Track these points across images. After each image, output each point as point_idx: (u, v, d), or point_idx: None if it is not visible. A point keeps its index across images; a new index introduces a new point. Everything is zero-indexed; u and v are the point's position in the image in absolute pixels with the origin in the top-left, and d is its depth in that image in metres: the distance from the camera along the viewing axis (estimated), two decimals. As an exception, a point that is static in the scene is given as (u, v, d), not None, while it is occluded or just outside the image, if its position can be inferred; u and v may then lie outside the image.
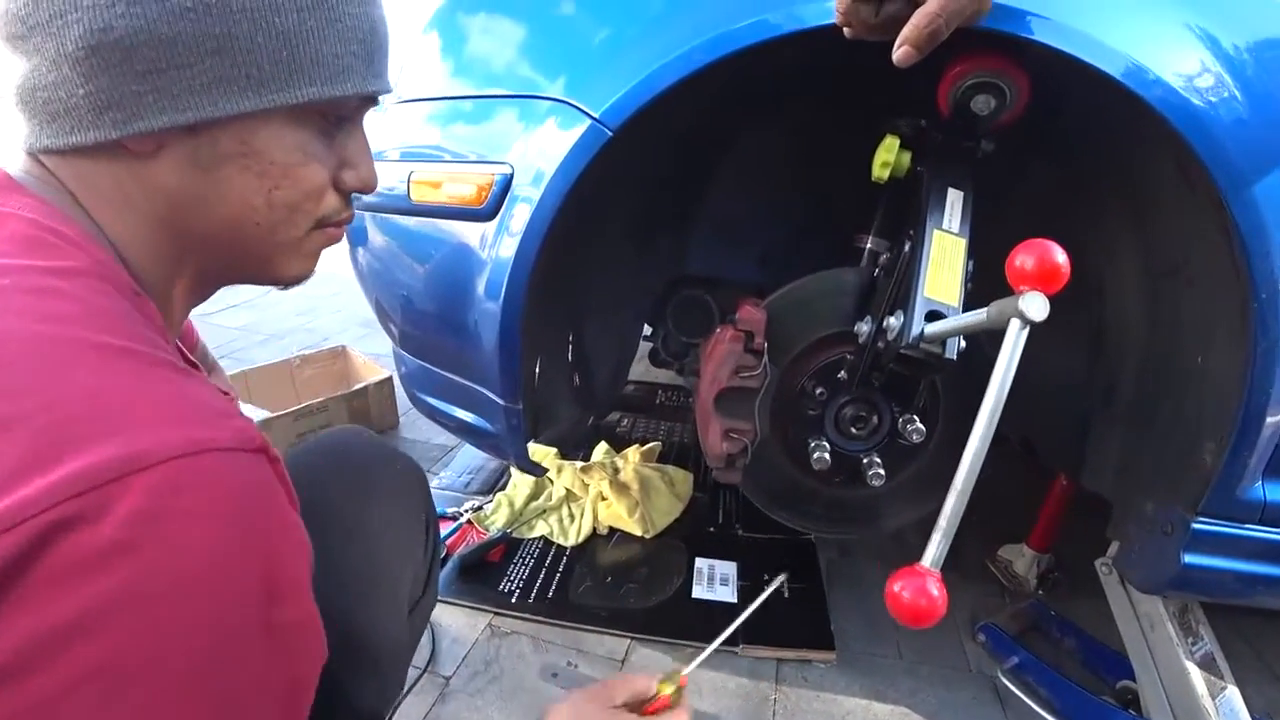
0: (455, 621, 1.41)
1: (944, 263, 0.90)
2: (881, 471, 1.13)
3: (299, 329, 3.30)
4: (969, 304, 0.90)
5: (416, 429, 2.27)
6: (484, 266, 1.05)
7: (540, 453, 1.87)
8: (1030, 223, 1.30)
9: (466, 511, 1.69)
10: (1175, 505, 1.02)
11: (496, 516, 1.66)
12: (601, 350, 1.41)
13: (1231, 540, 1.01)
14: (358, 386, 2.23)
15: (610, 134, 0.92)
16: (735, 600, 1.44)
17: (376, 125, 1.22)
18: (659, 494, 1.66)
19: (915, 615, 0.63)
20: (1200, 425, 0.99)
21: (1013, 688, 1.29)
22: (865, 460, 1.13)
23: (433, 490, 1.83)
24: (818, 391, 1.13)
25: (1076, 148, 1.12)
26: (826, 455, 1.11)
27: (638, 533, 1.59)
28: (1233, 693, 1.18)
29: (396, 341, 1.42)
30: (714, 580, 1.48)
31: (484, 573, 1.51)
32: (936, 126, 0.98)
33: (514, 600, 1.43)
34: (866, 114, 1.09)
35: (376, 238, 1.26)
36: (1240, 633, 1.65)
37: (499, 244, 1.03)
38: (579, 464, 1.74)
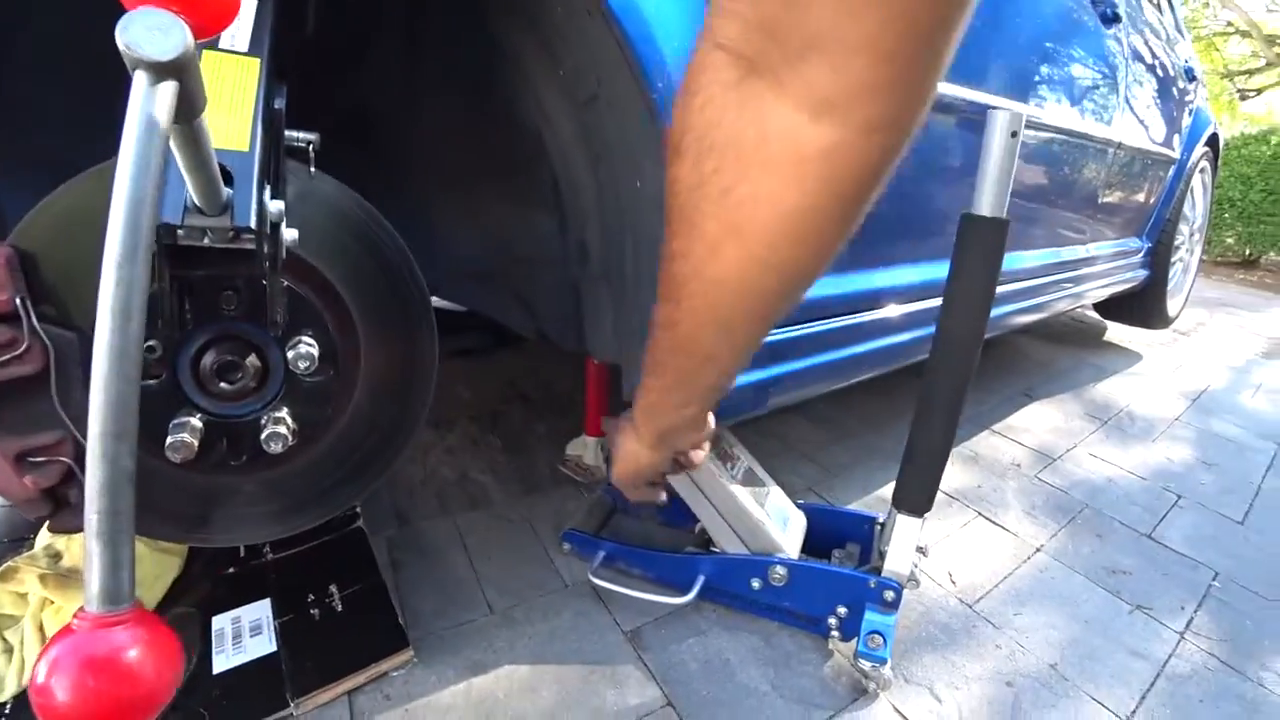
0: None
1: (224, 95, 0.61)
2: (280, 429, 0.81)
3: None
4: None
5: None
6: None
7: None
8: (450, 92, 1.11)
9: None
10: (670, 343, 0.96)
11: None
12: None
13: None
14: None
15: None
16: (276, 646, 1.08)
17: None
18: (137, 560, 1.18)
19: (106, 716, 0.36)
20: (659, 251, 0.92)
21: (604, 584, 1.20)
22: (265, 420, 0.82)
23: None
24: (148, 346, 0.74)
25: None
26: (189, 436, 0.76)
27: (112, 624, 1.12)
28: (775, 492, 1.24)
29: None
30: (241, 636, 1.10)
31: None
32: None
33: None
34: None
35: None
36: (767, 431, 1.86)
37: None
38: (-2, 569, 1.17)
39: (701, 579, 1.16)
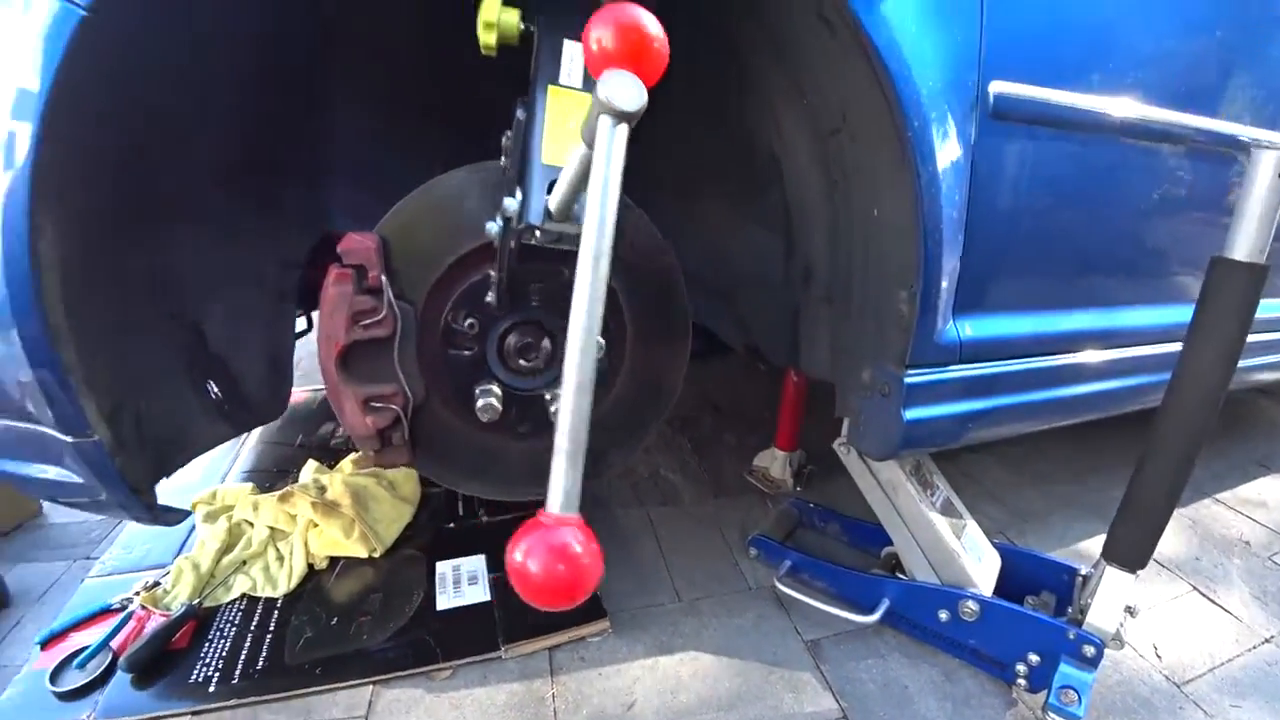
0: (131, 745, 1.05)
1: (567, 124, 0.73)
2: None
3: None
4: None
5: (68, 511, 1.76)
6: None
7: (232, 493, 1.52)
8: (690, 110, 1.21)
9: (136, 595, 1.29)
10: (887, 365, 0.99)
11: (178, 589, 1.29)
12: (243, 346, 1.10)
13: (942, 386, 1.00)
14: (-42, 478, 1.67)
15: (83, 12, 0.63)
16: (489, 597, 1.23)
17: None
18: (378, 502, 1.39)
19: (557, 591, 0.45)
20: (890, 278, 0.96)
21: (790, 591, 1.24)
22: (549, 396, 0.96)
23: (97, 579, 1.44)
24: (468, 324, 0.92)
25: (721, 13, 1.02)
26: (495, 401, 0.91)
27: (362, 554, 1.32)
28: (972, 527, 1.23)
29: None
30: (460, 583, 1.27)
31: (166, 667, 1.15)
32: None
33: (212, 689, 1.10)
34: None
35: None
36: (954, 465, 1.79)
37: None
38: (278, 492, 1.42)
39: (887, 602, 1.17)
